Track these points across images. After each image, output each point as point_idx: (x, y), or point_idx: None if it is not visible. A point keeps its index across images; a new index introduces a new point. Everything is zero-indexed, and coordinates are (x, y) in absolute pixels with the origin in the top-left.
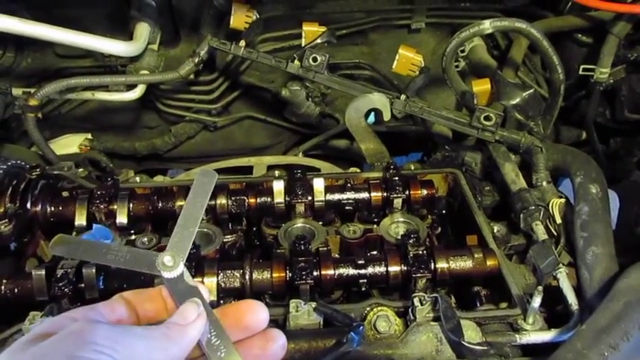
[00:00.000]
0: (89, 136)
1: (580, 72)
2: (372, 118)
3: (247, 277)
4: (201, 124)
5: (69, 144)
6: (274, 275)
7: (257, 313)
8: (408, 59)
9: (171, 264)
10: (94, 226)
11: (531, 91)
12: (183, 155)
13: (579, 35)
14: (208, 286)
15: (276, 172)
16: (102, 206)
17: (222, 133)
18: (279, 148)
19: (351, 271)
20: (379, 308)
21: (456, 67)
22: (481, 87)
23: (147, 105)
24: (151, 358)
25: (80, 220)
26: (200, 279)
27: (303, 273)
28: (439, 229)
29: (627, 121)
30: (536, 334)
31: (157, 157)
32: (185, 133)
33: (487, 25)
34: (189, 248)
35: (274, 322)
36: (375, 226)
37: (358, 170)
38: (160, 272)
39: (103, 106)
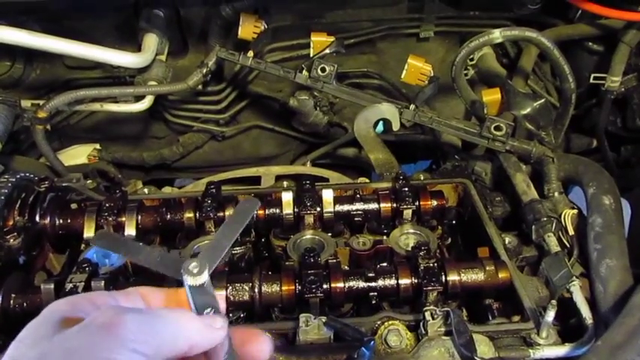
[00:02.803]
0: (97, 146)
1: (591, 80)
2: (380, 127)
3: (256, 290)
4: (209, 134)
5: (77, 154)
6: (284, 288)
7: (261, 344)
8: (417, 69)
9: (196, 271)
10: None
11: (542, 100)
12: (191, 165)
13: (590, 43)
14: None
15: (285, 183)
16: (110, 218)
17: (230, 143)
18: (287, 158)
19: (362, 284)
20: (390, 322)
21: (465, 75)
22: (491, 96)
23: (155, 115)
24: (176, 345)
25: (89, 232)
26: None
27: (313, 286)
28: (449, 240)
29: (638, 129)
30: (550, 349)
31: (164, 167)
32: (193, 143)
33: (497, 35)
34: (217, 261)
35: (284, 336)
36: (384, 237)
37: (367, 180)
38: (184, 276)
39: (112, 117)
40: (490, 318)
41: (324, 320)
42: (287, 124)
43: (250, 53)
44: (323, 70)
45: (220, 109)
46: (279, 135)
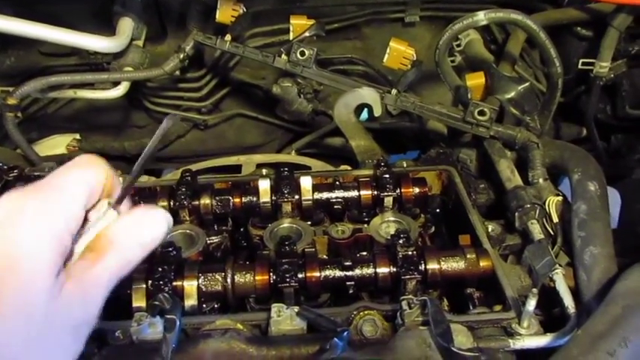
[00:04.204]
0: (77, 136)
1: (579, 66)
2: (365, 114)
3: (229, 280)
4: (190, 122)
5: (56, 145)
6: (257, 278)
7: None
8: (399, 52)
9: None
10: None
11: (527, 84)
12: (173, 155)
13: (579, 28)
14: (188, 290)
15: (264, 171)
16: None
17: (213, 132)
18: (273, 147)
19: (338, 273)
20: (366, 312)
21: (452, 61)
22: (475, 81)
23: (135, 103)
24: None
25: None
26: (180, 282)
27: (287, 275)
28: (433, 229)
29: (629, 117)
30: (530, 339)
31: None
32: (175, 132)
33: (481, 17)
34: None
35: (257, 328)
36: (365, 225)
37: (349, 168)
38: None
39: (91, 106)
40: (471, 307)
41: (297, 310)
42: (271, 112)
43: (228, 37)
44: (302, 53)
45: (201, 97)
46: (263, 124)
